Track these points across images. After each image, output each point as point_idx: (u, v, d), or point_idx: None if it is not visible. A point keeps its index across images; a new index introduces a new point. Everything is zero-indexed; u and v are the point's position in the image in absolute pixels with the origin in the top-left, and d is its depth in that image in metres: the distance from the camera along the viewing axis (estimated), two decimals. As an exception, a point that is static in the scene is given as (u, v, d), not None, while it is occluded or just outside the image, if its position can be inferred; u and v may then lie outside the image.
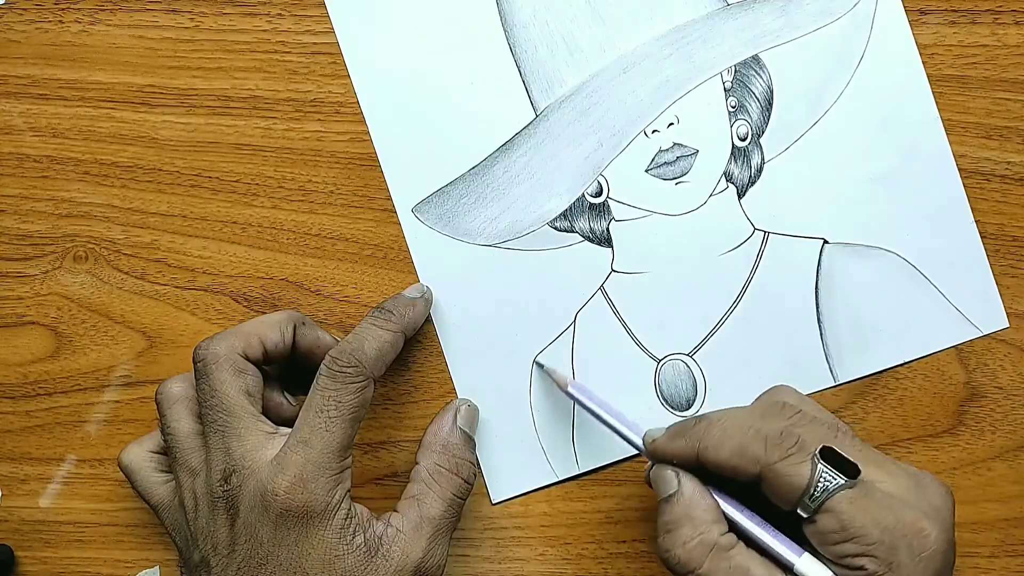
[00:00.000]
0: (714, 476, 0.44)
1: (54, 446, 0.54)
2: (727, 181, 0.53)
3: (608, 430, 0.49)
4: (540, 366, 0.53)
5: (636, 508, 0.54)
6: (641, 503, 0.54)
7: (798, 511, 0.42)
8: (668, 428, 0.46)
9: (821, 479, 0.41)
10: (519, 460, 0.54)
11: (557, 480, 0.54)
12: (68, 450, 0.54)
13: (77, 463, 0.54)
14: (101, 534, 0.54)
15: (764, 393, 0.47)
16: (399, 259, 0.54)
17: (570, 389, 0.51)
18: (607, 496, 0.54)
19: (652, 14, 0.53)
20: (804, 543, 0.42)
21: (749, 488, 0.44)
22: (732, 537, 0.43)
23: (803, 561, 0.41)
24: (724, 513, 0.44)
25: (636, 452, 0.50)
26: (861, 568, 0.40)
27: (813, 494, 0.41)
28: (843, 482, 0.41)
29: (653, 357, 0.53)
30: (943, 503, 0.42)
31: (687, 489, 0.44)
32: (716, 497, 0.44)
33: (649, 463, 0.47)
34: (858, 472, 0.41)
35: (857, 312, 0.53)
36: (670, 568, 0.43)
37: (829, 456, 0.41)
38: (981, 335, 0.53)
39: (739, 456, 0.43)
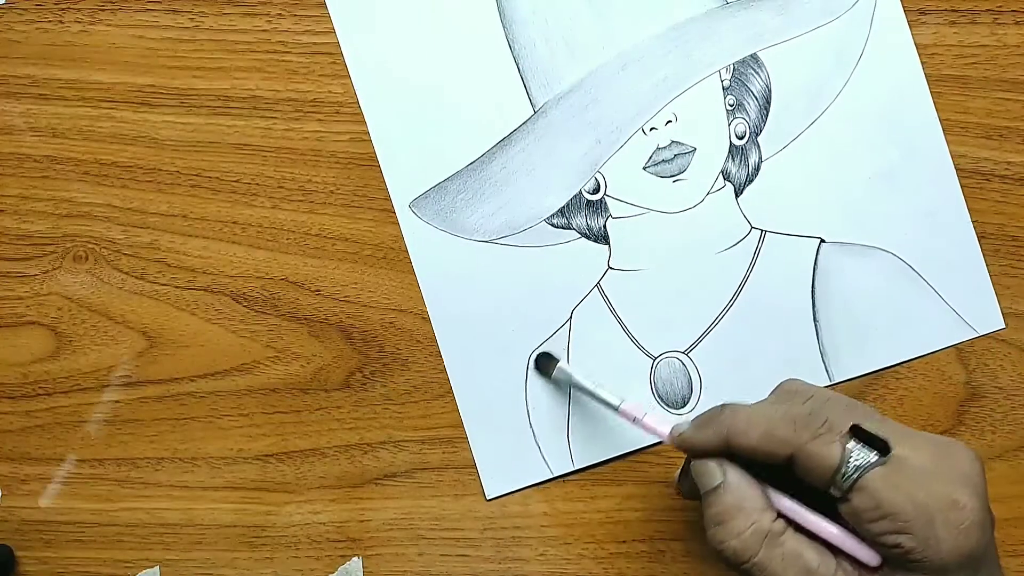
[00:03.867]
0: (742, 463, 0.44)
1: (54, 446, 0.54)
2: (724, 179, 0.53)
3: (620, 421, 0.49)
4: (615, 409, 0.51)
5: (636, 508, 0.54)
6: (641, 503, 0.54)
7: (831, 491, 0.41)
8: (693, 420, 0.46)
9: (852, 457, 0.41)
10: (514, 456, 0.54)
11: (552, 476, 0.54)
12: (68, 450, 0.54)
13: (77, 463, 0.54)
14: (101, 534, 0.54)
15: (775, 388, 0.47)
16: (399, 259, 0.54)
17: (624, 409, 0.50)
18: (607, 496, 0.54)
19: (651, 12, 0.53)
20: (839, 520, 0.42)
21: (775, 472, 0.44)
22: (782, 523, 0.43)
23: (863, 550, 0.41)
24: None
25: (632, 450, 0.50)
26: (897, 546, 0.40)
27: (845, 473, 0.41)
28: (874, 459, 0.41)
29: (649, 355, 0.53)
30: (973, 469, 0.42)
31: (733, 479, 0.43)
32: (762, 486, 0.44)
33: (682, 466, 0.47)
34: (888, 449, 0.41)
35: (853, 311, 0.53)
36: (725, 559, 0.42)
37: (858, 433, 0.41)
38: (978, 335, 0.53)
39: (769, 439, 0.42)
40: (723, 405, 0.45)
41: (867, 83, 0.53)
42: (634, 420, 0.49)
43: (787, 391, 0.45)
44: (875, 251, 0.53)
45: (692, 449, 0.45)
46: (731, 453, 0.44)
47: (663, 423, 0.47)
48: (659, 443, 0.53)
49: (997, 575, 0.42)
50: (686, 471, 0.47)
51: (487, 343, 0.54)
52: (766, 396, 0.46)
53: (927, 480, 0.40)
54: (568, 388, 0.53)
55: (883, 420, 0.43)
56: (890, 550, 0.40)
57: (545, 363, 0.53)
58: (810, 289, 0.53)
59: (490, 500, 0.54)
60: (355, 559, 0.54)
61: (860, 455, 0.41)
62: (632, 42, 0.53)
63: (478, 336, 0.54)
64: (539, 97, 0.53)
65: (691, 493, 0.46)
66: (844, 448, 0.41)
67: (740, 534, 0.42)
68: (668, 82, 0.53)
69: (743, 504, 0.43)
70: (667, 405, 0.53)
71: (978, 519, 0.40)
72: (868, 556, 0.41)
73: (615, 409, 0.49)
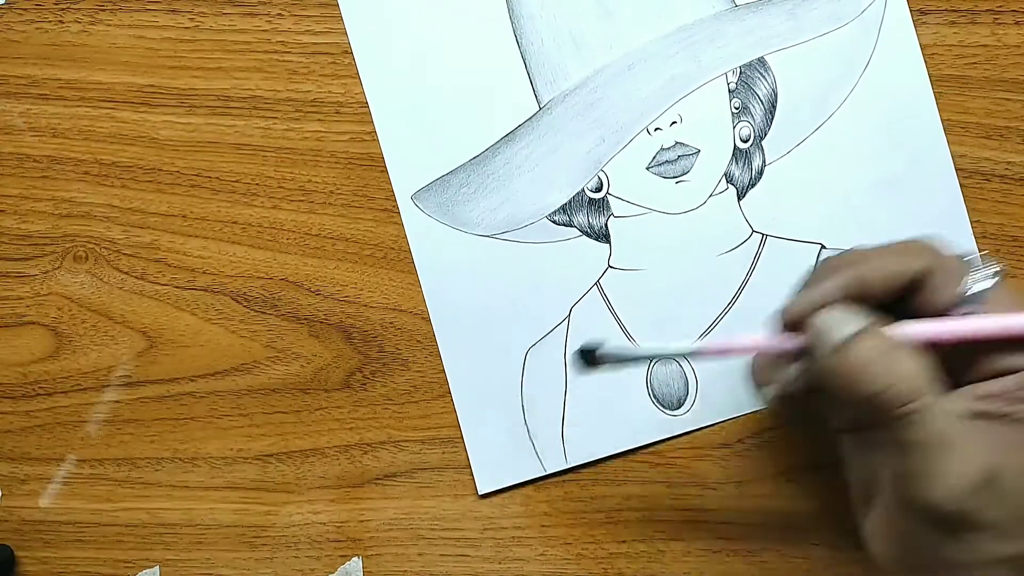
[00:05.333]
0: None
1: (54, 446, 0.54)
2: (727, 182, 0.53)
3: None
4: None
5: (636, 508, 0.54)
6: (641, 503, 0.54)
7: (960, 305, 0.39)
8: (809, 278, 0.41)
9: (981, 266, 0.40)
10: (508, 453, 0.54)
11: (545, 474, 0.54)
12: (68, 450, 0.54)
13: (77, 463, 0.54)
14: (101, 534, 0.55)
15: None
16: (399, 259, 0.54)
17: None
18: (607, 496, 0.54)
19: (660, 12, 0.53)
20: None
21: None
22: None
23: None
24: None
25: (626, 449, 0.52)
26: None
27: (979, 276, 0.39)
28: (998, 268, 0.40)
29: (647, 355, 0.53)
30: None
31: (881, 321, 0.39)
32: (916, 325, 0.39)
33: (777, 382, 0.42)
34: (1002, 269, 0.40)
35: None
36: (888, 399, 0.36)
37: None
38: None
39: (904, 257, 0.40)
40: (833, 256, 0.42)
41: (873, 90, 0.53)
42: (724, 352, 0.43)
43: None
44: (876, 259, 0.53)
45: (822, 302, 0.40)
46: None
47: (753, 336, 0.42)
48: (658, 442, 0.53)
49: None
50: (785, 398, 0.42)
51: (484, 338, 0.54)
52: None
53: None
54: (565, 383, 0.53)
55: None
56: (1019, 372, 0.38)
57: (588, 356, 0.45)
58: (809, 295, 0.53)
59: (482, 496, 0.54)
60: (355, 559, 0.54)
61: (985, 265, 0.40)
62: (639, 42, 0.53)
63: (475, 331, 0.54)
64: (545, 94, 0.53)
65: (794, 416, 0.42)
66: (969, 261, 0.40)
67: (913, 365, 0.37)
68: (674, 83, 0.53)
69: (906, 342, 0.38)
70: (663, 406, 0.53)
71: None
72: None
73: (693, 354, 0.45)
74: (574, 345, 0.53)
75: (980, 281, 0.39)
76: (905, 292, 0.40)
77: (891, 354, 0.37)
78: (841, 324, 0.39)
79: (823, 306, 0.40)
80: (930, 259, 0.40)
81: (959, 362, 0.39)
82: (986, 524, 0.36)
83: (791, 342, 0.41)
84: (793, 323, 0.41)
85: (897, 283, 0.40)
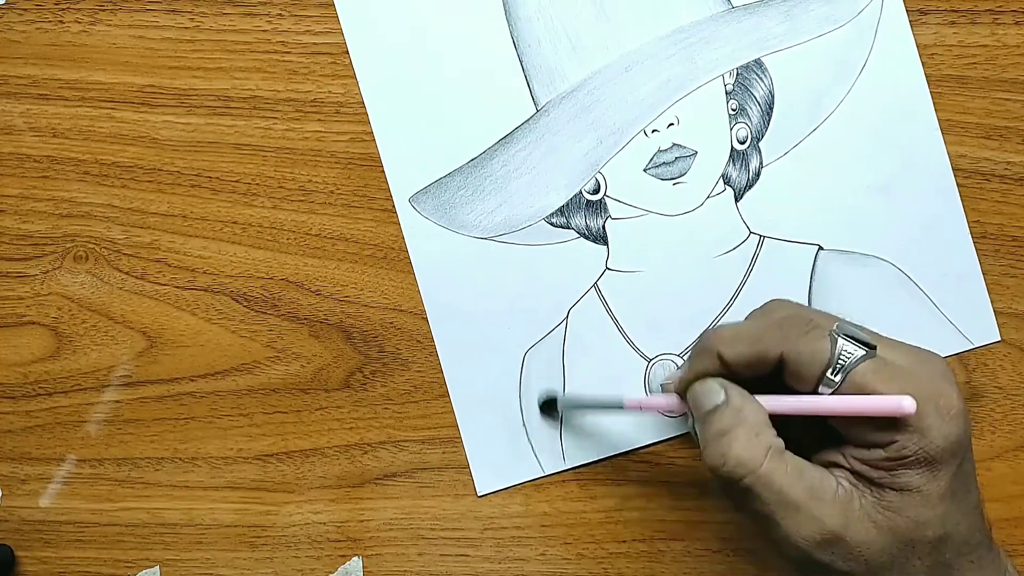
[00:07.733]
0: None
1: (54, 446, 0.55)
2: (725, 184, 0.53)
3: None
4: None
5: (636, 508, 0.54)
6: (641, 503, 0.54)
7: (819, 389, 0.41)
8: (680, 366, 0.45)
9: (842, 352, 0.41)
10: (507, 454, 0.54)
11: (544, 475, 0.54)
12: (68, 450, 0.54)
13: (77, 463, 0.54)
14: (101, 534, 0.55)
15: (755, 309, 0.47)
16: (399, 259, 0.54)
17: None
18: (607, 496, 0.54)
19: (656, 14, 0.53)
20: (825, 432, 0.42)
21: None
22: (782, 442, 0.42)
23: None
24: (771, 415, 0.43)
25: (624, 451, 0.53)
26: (892, 442, 0.40)
27: (837, 367, 0.40)
28: (864, 353, 0.41)
29: (644, 356, 0.53)
30: (947, 369, 0.42)
31: (735, 396, 0.43)
32: (767, 399, 0.43)
33: (687, 414, 0.46)
34: (874, 346, 0.41)
35: (849, 320, 0.53)
36: (725, 473, 0.41)
37: (844, 331, 0.41)
38: (973, 347, 0.53)
39: (758, 343, 0.42)
40: (704, 331, 0.45)
41: (870, 92, 0.53)
42: (640, 408, 0.49)
43: (767, 307, 0.45)
44: (873, 260, 0.53)
45: (694, 378, 0.44)
46: (728, 374, 0.43)
47: (663, 395, 0.48)
48: (658, 442, 0.53)
49: (973, 471, 0.42)
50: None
51: (483, 340, 0.54)
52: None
53: (913, 375, 0.41)
54: (564, 384, 0.53)
55: (862, 327, 0.43)
56: (884, 448, 0.40)
57: (550, 406, 0.53)
58: (807, 296, 0.53)
59: (481, 496, 0.54)
60: (355, 559, 0.54)
61: (850, 350, 0.41)
62: (636, 43, 0.53)
63: (474, 333, 0.54)
64: (542, 95, 0.53)
65: None
66: (834, 343, 0.41)
67: (746, 444, 0.41)
68: (671, 85, 0.53)
69: (747, 418, 0.42)
70: (660, 408, 0.54)
71: (963, 408, 0.40)
72: (896, 404, 0.39)
73: (621, 408, 0.49)
74: (573, 346, 0.53)
75: (842, 368, 0.41)
76: (773, 370, 0.43)
77: (729, 432, 0.41)
78: (706, 395, 0.43)
79: (695, 380, 0.44)
80: (787, 346, 0.42)
81: (843, 421, 0.42)
82: (842, 572, 0.41)
83: (684, 407, 0.46)
84: (680, 393, 0.46)
85: (757, 367, 0.43)
